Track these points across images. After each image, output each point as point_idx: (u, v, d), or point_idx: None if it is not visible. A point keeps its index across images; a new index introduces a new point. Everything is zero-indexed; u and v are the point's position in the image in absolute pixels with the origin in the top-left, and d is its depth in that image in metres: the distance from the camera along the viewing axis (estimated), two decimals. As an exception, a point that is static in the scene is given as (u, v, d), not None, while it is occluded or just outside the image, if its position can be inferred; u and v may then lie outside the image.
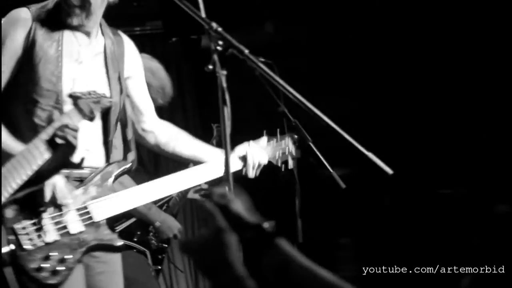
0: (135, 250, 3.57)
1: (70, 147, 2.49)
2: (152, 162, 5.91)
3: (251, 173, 3.10)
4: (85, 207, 2.77)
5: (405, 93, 5.89)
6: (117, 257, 2.96)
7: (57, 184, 2.64)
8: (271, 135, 3.21)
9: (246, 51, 2.22)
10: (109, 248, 2.91)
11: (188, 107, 6.13)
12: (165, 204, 3.83)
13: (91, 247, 2.86)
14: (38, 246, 2.74)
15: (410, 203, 5.76)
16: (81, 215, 2.78)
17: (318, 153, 3.13)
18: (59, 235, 2.79)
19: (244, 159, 3.07)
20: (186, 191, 3.95)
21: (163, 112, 5.55)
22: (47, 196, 2.63)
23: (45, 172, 2.51)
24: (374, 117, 5.88)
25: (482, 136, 5.70)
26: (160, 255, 3.73)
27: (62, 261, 2.82)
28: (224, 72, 2.22)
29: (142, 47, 5.44)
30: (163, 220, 3.64)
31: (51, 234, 2.77)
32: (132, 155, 3.05)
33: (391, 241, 5.69)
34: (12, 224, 2.69)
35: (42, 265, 2.77)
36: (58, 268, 2.80)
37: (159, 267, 3.75)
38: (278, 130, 3.24)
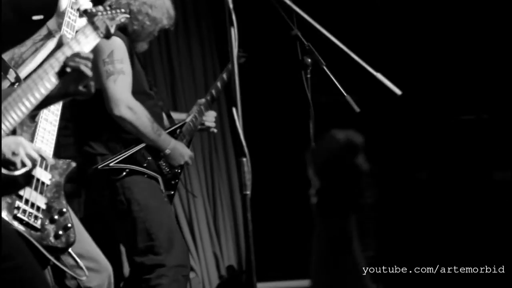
0: (145, 176, 3.48)
1: (81, 75, 2.35)
2: (169, 86, 5.91)
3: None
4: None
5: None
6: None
7: (23, 142, 2.41)
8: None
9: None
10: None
11: (204, 33, 6.07)
12: (177, 129, 3.73)
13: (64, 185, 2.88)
14: (41, 217, 2.76)
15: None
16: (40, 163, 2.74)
17: (332, 76, 3.09)
18: (44, 196, 2.80)
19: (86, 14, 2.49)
20: (199, 122, 3.85)
21: (169, 35, 5.48)
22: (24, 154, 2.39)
23: (53, 99, 2.42)
24: (390, 37, 5.77)
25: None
26: (173, 181, 3.63)
27: (61, 213, 2.85)
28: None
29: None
30: (173, 147, 3.53)
31: (40, 198, 2.78)
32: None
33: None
34: (12, 212, 2.67)
35: (58, 232, 2.80)
36: (67, 224, 2.84)
37: (172, 193, 3.66)
38: None
